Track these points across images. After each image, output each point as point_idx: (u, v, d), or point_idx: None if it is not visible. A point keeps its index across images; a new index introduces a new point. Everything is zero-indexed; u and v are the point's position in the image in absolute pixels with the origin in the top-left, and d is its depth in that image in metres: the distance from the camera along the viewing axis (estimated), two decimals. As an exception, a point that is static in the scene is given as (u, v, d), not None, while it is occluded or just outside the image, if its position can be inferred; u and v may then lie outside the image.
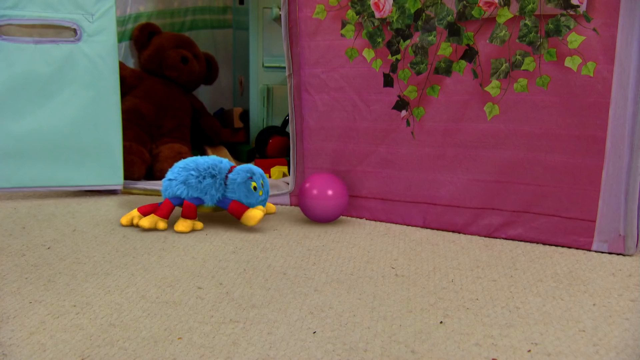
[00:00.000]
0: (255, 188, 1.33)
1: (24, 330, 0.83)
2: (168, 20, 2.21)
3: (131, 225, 1.34)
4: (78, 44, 1.54)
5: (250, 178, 1.33)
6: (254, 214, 1.31)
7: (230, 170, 1.36)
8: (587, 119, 1.17)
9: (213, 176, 1.34)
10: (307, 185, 1.38)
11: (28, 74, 1.52)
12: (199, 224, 1.33)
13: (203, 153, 2.13)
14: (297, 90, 1.47)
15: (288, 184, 1.58)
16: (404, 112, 1.35)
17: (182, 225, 1.31)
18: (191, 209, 1.33)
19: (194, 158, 1.39)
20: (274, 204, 1.50)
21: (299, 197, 1.39)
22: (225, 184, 1.35)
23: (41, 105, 1.54)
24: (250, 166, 1.36)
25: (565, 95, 1.18)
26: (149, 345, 0.79)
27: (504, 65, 1.23)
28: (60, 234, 1.29)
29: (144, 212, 1.34)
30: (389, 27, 1.33)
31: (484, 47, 1.24)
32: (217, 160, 1.38)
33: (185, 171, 1.35)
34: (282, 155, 2.08)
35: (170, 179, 1.36)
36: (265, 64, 2.24)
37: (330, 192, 1.36)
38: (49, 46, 1.53)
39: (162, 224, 1.32)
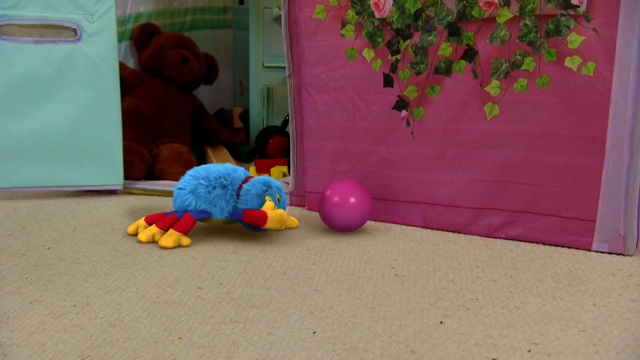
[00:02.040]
0: None
1: (24, 330, 0.83)
2: (168, 20, 2.21)
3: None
4: (78, 44, 1.54)
5: (266, 192, 1.24)
6: (278, 213, 1.21)
7: (246, 180, 1.27)
8: (587, 119, 1.17)
9: (224, 186, 1.24)
10: (328, 192, 1.30)
11: (28, 74, 1.52)
12: (185, 240, 1.21)
13: (203, 153, 2.13)
14: (297, 90, 1.47)
15: (288, 184, 1.58)
16: (404, 112, 1.35)
17: (166, 239, 1.19)
18: (187, 222, 1.22)
19: (207, 166, 1.29)
20: None
21: (319, 205, 1.32)
22: (238, 195, 1.25)
23: (41, 105, 1.54)
24: (268, 179, 1.27)
25: (565, 95, 1.18)
26: (149, 345, 0.79)
27: (504, 65, 1.23)
28: (60, 234, 1.29)
29: (150, 221, 1.26)
30: (389, 27, 1.33)
31: (484, 47, 1.24)
32: (230, 169, 1.27)
33: (194, 180, 1.25)
34: (282, 155, 2.08)
35: (179, 188, 1.26)
36: (265, 64, 2.25)
37: (352, 200, 1.29)
38: (49, 46, 1.53)
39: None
